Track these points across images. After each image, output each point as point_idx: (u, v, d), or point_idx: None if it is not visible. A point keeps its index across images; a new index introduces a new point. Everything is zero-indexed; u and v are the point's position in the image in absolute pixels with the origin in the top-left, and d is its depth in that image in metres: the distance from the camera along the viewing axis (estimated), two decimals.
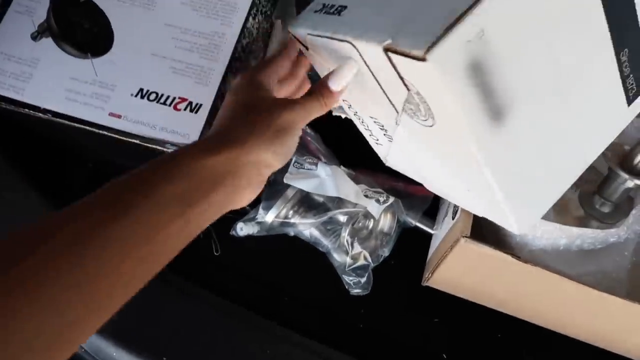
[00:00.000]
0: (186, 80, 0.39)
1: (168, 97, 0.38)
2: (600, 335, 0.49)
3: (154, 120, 0.38)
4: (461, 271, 0.49)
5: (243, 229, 0.55)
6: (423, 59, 0.29)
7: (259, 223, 0.55)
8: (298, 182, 0.54)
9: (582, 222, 0.52)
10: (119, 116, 0.38)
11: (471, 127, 0.34)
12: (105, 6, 0.37)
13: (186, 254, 0.58)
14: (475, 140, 0.35)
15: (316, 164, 0.54)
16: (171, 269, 0.53)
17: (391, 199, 0.51)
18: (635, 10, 0.36)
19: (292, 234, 0.56)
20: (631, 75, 0.38)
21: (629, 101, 0.39)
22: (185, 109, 0.38)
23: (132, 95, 0.39)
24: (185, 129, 0.37)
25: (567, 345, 0.51)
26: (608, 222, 0.49)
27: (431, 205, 0.55)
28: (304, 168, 0.54)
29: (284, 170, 0.56)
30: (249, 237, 0.55)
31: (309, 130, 0.56)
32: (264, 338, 0.49)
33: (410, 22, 0.32)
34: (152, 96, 0.39)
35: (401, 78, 0.34)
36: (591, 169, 0.55)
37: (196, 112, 0.38)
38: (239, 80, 0.35)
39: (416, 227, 0.56)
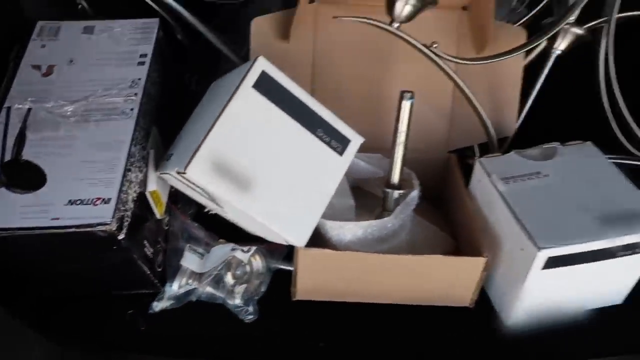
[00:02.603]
0: (97, 185, 0.62)
1: (86, 198, 0.61)
2: (412, 293, 0.71)
3: (85, 215, 0.59)
4: (311, 276, 0.69)
5: (158, 306, 0.73)
6: (184, 173, 0.56)
7: (168, 297, 0.74)
8: (188, 263, 0.75)
9: None
10: (58, 218, 0.58)
11: (232, 198, 0.58)
12: (37, 159, 0.58)
13: (120, 332, 0.73)
14: (238, 204, 0.59)
15: (202, 255, 0.76)
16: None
17: (253, 248, 0.73)
18: (314, 113, 0.63)
19: (194, 299, 0.73)
20: (332, 140, 0.66)
21: (340, 154, 0.67)
22: (100, 204, 0.60)
23: (64, 205, 0.60)
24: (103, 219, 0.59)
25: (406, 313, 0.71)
26: None
27: (290, 253, 0.77)
28: (197, 253, 0.76)
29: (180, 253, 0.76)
30: (164, 311, 0.72)
31: (196, 224, 0.78)
32: None
33: (185, 155, 0.57)
34: (78, 202, 0.60)
35: (194, 185, 0.58)
36: (378, 199, 0.83)
37: (108, 203, 0.60)
38: None
39: (281, 269, 0.77)
